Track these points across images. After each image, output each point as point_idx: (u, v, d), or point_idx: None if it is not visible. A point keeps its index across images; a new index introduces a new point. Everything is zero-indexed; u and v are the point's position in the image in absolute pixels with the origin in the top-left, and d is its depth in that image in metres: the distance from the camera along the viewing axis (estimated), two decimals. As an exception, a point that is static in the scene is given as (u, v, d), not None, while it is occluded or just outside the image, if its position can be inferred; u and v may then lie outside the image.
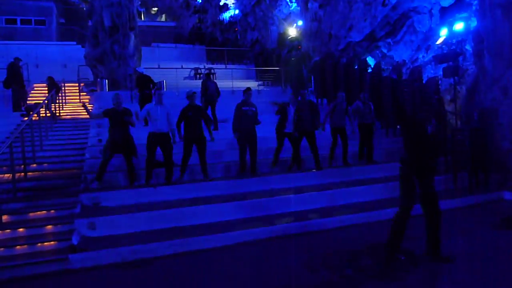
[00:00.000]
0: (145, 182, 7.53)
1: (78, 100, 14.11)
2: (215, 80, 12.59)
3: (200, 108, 8.17)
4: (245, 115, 8.05)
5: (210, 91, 11.07)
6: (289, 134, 8.48)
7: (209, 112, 10.22)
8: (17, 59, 12.93)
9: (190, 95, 7.92)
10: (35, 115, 9.04)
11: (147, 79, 11.39)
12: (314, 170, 8.61)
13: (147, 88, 11.12)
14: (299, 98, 8.79)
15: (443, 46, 13.16)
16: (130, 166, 7.52)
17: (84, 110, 7.95)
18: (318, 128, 8.67)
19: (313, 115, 8.54)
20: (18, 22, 24.02)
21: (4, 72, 12.89)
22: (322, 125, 8.86)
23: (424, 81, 10.91)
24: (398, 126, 10.87)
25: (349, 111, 9.29)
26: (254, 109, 8.18)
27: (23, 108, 12.28)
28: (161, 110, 7.56)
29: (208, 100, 10.95)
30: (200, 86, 11.41)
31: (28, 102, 13.03)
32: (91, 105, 12.36)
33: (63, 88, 13.73)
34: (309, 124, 8.47)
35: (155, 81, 16.35)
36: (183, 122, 7.76)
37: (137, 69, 12.81)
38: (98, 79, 15.91)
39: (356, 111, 9.27)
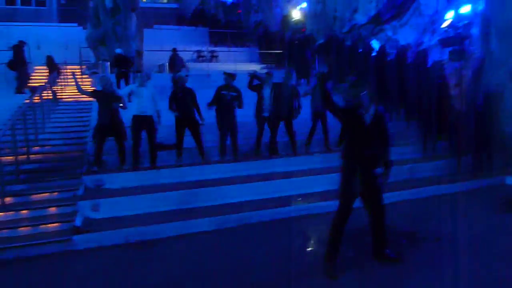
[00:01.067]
0: (132, 166, 7.40)
1: (81, 82, 14.00)
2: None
3: (189, 90, 7.97)
4: (223, 99, 7.92)
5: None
6: (268, 118, 8.33)
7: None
8: (21, 42, 13.21)
9: (178, 78, 7.91)
10: (37, 97, 9.00)
11: (124, 59, 12.90)
12: (316, 154, 8.57)
13: (124, 67, 12.56)
14: (282, 81, 8.47)
15: (449, 29, 12.93)
16: (120, 149, 7.40)
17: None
18: (296, 116, 8.43)
19: (292, 101, 8.32)
20: (18, 2, 23.68)
21: (4, 53, 13.09)
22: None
23: (429, 65, 10.75)
24: (401, 109, 10.76)
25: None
26: (234, 93, 7.99)
27: (25, 91, 12.32)
28: (146, 92, 7.47)
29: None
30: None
31: (29, 84, 13.06)
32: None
33: (64, 70, 13.64)
34: (287, 110, 8.27)
35: (160, 63, 16.44)
36: (174, 105, 7.72)
37: (116, 50, 13.53)
38: (100, 61, 15.76)
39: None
